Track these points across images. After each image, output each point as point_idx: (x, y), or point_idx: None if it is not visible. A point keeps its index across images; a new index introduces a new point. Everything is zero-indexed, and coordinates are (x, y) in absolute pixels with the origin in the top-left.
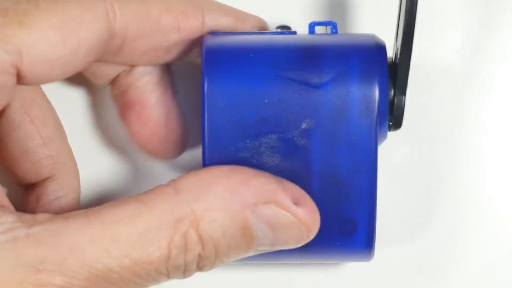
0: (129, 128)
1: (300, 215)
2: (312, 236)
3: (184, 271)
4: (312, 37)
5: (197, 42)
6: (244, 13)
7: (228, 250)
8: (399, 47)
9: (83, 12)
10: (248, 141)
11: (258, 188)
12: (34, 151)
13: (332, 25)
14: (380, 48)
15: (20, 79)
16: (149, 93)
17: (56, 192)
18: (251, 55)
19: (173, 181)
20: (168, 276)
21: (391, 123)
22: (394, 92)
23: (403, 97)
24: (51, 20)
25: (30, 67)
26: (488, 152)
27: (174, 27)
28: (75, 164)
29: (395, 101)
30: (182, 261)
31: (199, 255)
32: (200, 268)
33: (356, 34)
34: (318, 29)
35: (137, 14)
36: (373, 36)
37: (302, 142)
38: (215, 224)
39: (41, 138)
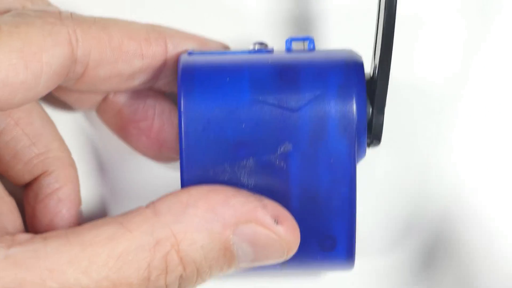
0: (131, 143)
1: (281, 233)
2: (293, 252)
3: None
4: (289, 55)
5: (161, 70)
6: (206, 38)
7: (210, 270)
8: (377, 64)
9: (45, 36)
10: (226, 163)
11: (238, 207)
12: (23, 153)
13: (309, 41)
14: (357, 65)
15: None
16: (145, 109)
17: (52, 185)
18: (228, 79)
19: (152, 202)
20: None
21: (370, 140)
22: (373, 110)
23: (382, 114)
24: (13, 44)
25: None
26: (469, 166)
27: (137, 53)
28: (69, 155)
29: (374, 119)
30: (162, 283)
31: (181, 276)
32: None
33: (333, 50)
34: (296, 44)
35: (99, 40)
36: (350, 52)
37: (281, 164)
38: (196, 246)
39: (28, 138)
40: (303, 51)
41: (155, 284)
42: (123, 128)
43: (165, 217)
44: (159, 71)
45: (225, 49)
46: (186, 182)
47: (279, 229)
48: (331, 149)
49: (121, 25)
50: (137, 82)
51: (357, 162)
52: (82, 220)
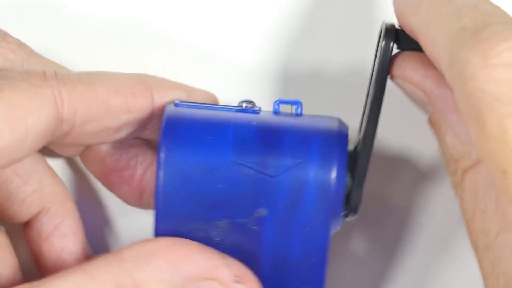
0: (113, 190)
1: None
2: None
3: None
4: (274, 118)
5: (148, 121)
6: (193, 88)
7: None
8: (361, 138)
9: (30, 100)
10: (200, 221)
11: (201, 263)
12: (17, 193)
13: (298, 105)
14: (340, 136)
15: None
16: (128, 157)
17: (52, 221)
18: (210, 137)
19: (119, 249)
20: None
21: (347, 212)
22: (353, 183)
23: (361, 188)
24: None
25: None
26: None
27: (123, 108)
28: (64, 188)
29: (353, 192)
30: None
31: None
32: None
33: (320, 117)
34: (283, 107)
35: (85, 98)
36: (336, 121)
37: (255, 227)
38: None
39: (20, 178)
40: (290, 115)
41: None
42: (105, 175)
43: (128, 264)
44: (145, 122)
45: (212, 100)
46: (158, 233)
47: None
48: (306, 218)
49: (106, 81)
50: (123, 134)
51: (332, 233)
52: (89, 249)
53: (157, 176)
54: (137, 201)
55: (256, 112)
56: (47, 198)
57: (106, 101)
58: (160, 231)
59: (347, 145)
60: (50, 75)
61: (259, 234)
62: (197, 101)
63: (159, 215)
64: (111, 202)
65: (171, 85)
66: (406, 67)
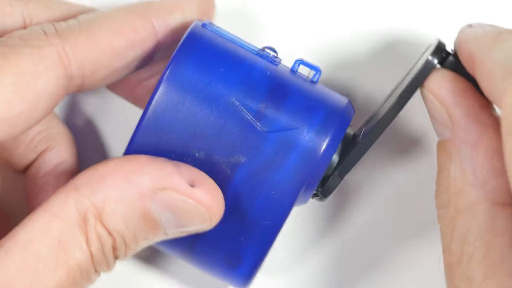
0: (141, 104)
1: (197, 197)
2: (217, 215)
3: (107, 264)
4: (289, 76)
5: (156, 48)
6: (192, 7)
7: (136, 239)
8: (365, 132)
9: (36, 64)
10: (178, 145)
11: (153, 174)
12: (25, 133)
13: (316, 72)
14: (343, 117)
15: None
16: (149, 67)
17: (54, 160)
18: (222, 69)
19: (72, 179)
20: (97, 271)
21: (316, 192)
22: (335, 168)
23: (340, 179)
24: (5, 80)
25: None
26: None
27: (128, 46)
28: (68, 132)
29: (331, 179)
30: (101, 254)
31: (113, 247)
32: (116, 258)
33: (332, 93)
34: (302, 69)
35: (89, 49)
36: (345, 101)
37: (227, 171)
38: (115, 216)
39: None
40: (305, 79)
41: (97, 258)
42: (131, 91)
43: (85, 191)
44: (153, 50)
45: (211, 19)
46: (136, 142)
47: (196, 192)
48: (278, 183)
49: (106, 23)
50: (133, 67)
51: (297, 205)
52: None
53: (157, 85)
54: None
55: (275, 63)
56: (53, 138)
57: (110, 44)
58: (138, 141)
59: (346, 128)
60: (50, 32)
61: (229, 179)
62: (192, 14)
63: (144, 122)
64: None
65: (170, 7)
66: (443, 86)
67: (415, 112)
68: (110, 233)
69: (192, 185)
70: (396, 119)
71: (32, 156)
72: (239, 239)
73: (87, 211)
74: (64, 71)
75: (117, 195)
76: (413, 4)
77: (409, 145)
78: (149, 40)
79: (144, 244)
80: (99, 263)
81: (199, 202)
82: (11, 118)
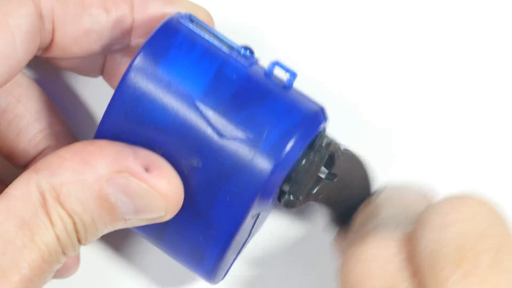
0: None
1: (151, 182)
2: (172, 202)
3: (73, 246)
4: (260, 79)
5: (131, 29)
6: (182, 1)
7: (94, 223)
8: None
9: (6, 1)
10: (140, 138)
11: (110, 157)
12: (27, 130)
13: (292, 76)
14: (306, 132)
15: None
16: None
17: None
18: (188, 67)
19: (35, 163)
20: (64, 253)
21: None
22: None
23: (299, 199)
24: None
25: None
26: None
27: (100, 7)
28: (70, 129)
29: (288, 197)
30: (66, 235)
31: (75, 229)
32: (79, 241)
33: (303, 101)
34: (278, 70)
35: None
36: (314, 109)
37: (185, 171)
38: (72, 198)
39: (31, 115)
40: (278, 83)
41: (63, 241)
42: (113, 77)
43: (44, 173)
44: (128, 30)
45: (193, 10)
46: (101, 129)
47: (149, 177)
48: (232, 189)
49: None
50: (107, 41)
51: (258, 212)
52: None
53: (123, 77)
54: None
55: (247, 64)
56: (54, 137)
57: (83, 1)
58: (105, 127)
59: (310, 138)
60: None
61: (187, 180)
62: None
63: (110, 109)
64: None
65: None
66: None
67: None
68: (69, 215)
69: (147, 170)
70: None
71: (31, 155)
72: (199, 238)
73: (45, 192)
74: (34, 9)
75: (74, 178)
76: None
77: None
78: (124, 11)
79: (104, 229)
80: (65, 244)
81: (151, 187)
82: None
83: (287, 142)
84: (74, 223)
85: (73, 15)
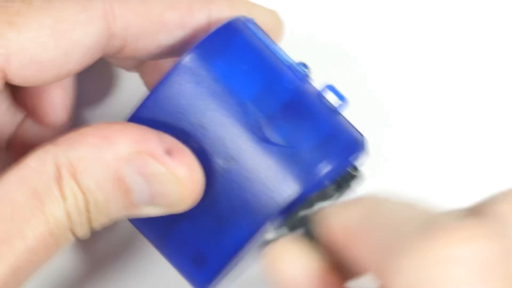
0: None
1: (171, 165)
2: (190, 191)
3: (82, 226)
4: (310, 97)
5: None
6: (255, 4)
7: (106, 203)
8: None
9: (78, 12)
10: (178, 128)
11: (133, 136)
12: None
13: (343, 102)
14: (344, 155)
15: (7, 81)
16: None
17: None
18: (245, 67)
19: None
20: (72, 232)
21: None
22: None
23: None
24: (43, 21)
25: (18, 69)
26: None
27: (178, 24)
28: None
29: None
30: (76, 212)
31: (86, 208)
32: (90, 222)
33: (347, 128)
34: (329, 95)
35: (138, 13)
36: (360, 139)
37: (216, 169)
38: (88, 174)
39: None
40: (328, 105)
41: (73, 218)
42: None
43: (63, 147)
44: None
45: (271, 19)
46: (135, 115)
47: (170, 161)
48: (257, 196)
49: None
50: (177, 50)
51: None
52: None
53: (173, 67)
54: None
55: (302, 79)
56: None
57: (161, 16)
58: (139, 115)
59: (345, 166)
60: None
61: (215, 178)
62: (260, 21)
63: (150, 99)
64: None
65: (232, 1)
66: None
67: None
68: (83, 192)
69: (168, 153)
70: None
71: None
72: (209, 239)
73: (61, 165)
74: (106, 27)
75: (93, 154)
76: None
77: None
78: (201, 25)
79: (116, 213)
80: (74, 222)
81: (169, 170)
82: (41, 62)
83: (329, 159)
84: (87, 201)
85: (148, 34)
